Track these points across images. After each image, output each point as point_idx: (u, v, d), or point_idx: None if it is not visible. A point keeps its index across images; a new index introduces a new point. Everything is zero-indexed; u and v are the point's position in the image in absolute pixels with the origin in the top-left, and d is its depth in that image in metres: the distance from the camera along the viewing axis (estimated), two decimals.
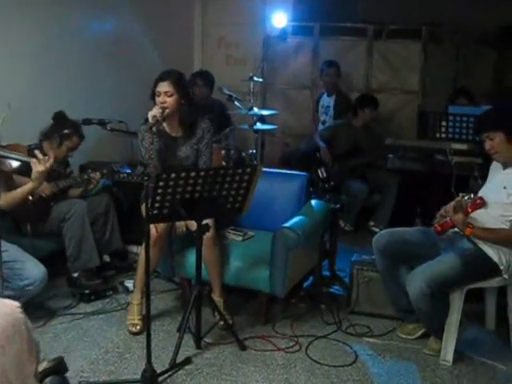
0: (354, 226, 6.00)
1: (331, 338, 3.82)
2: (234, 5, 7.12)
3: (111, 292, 4.35)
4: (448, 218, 3.52)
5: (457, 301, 3.50)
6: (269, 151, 6.69)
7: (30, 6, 4.83)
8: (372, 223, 5.97)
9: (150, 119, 3.60)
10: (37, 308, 4.01)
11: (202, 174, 3.24)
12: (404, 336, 3.84)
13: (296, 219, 4.01)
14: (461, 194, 3.46)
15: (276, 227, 3.90)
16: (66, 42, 5.23)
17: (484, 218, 3.48)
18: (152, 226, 3.62)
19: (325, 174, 5.66)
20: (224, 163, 5.35)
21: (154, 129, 3.55)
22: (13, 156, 3.75)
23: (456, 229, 3.53)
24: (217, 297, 3.91)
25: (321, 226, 4.31)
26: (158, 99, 3.71)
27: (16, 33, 4.74)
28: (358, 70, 7.00)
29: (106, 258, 4.79)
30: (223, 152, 5.42)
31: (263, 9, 6.94)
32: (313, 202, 4.38)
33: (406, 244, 3.77)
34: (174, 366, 3.40)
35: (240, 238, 4.18)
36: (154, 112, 3.64)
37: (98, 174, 4.42)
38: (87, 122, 4.78)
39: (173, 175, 3.17)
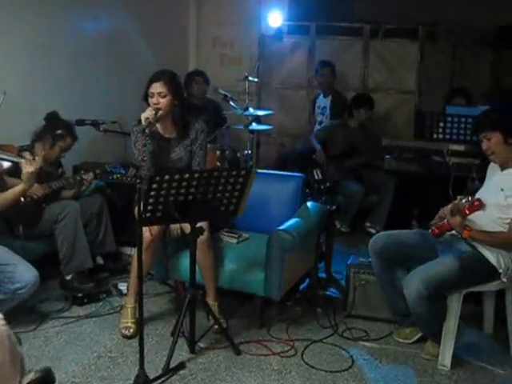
0: (351, 226, 5.96)
1: (327, 342, 3.77)
2: (228, 4, 7.07)
3: (104, 295, 4.29)
4: (445, 221, 3.47)
5: (455, 304, 3.45)
6: (264, 152, 6.66)
7: (23, 6, 4.77)
8: (368, 224, 5.92)
9: (142, 121, 3.54)
10: (29, 311, 3.96)
11: (196, 176, 3.20)
12: (401, 340, 3.79)
13: (291, 221, 3.96)
14: (458, 197, 3.42)
15: (271, 229, 3.85)
16: (59, 42, 5.18)
17: (482, 220, 3.43)
18: (146, 229, 3.57)
19: (320, 175, 5.59)
20: (219, 164, 5.31)
21: (147, 131, 3.49)
22: (2, 157, 3.69)
23: (454, 231, 3.48)
24: (211, 300, 3.86)
25: (317, 228, 4.26)
26: (152, 100, 3.65)
27: (8, 33, 4.68)
28: (355, 70, 6.94)
29: (100, 260, 4.73)
30: (218, 152, 5.37)
31: (258, 8, 6.89)
32: (308, 203, 4.33)
33: (403, 246, 3.72)
34: (168, 372, 3.34)
35: (235, 241, 4.13)
36: (147, 114, 3.58)
37: (90, 174, 4.38)
38: (80, 122, 4.72)
39: (166, 177, 3.12)
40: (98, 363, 3.48)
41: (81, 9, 5.38)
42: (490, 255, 3.40)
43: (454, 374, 3.46)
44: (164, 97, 3.65)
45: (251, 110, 5.45)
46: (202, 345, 3.65)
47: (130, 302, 3.83)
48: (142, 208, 3.13)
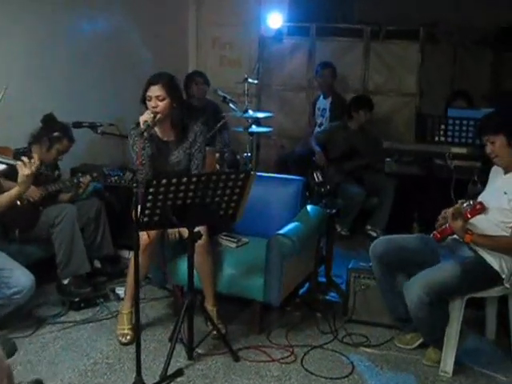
0: (351, 229, 5.90)
1: (327, 348, 3.72)
2: (228, 5, 7.02)
3: (102, 300, 4.23)
4: (447, 225, 3.42)
5: (457, 310, 3.40)
6: (264, 154, 6.62)
7: (21, 7, 4.73)
8: (369, 227, 5.87)
9: (141, 124, 3.50)
10: (25, 316, 3.92)
11: (194, 179, 3.15)
12: (402, 346, 3.74)
13: (291, 225, 3.91)
14: (460, 201, 3.37)
15: (271, 233, 3.80)
16: (57, 44, 5.13)
17: (484, 224, 3.39)
18: (143, 233, 3.52)
19: (321, 178, 5.55)
20: (218, 166, 5.26)
21: (145, 134, 3.44)
22: None
23: (456, 236, 3.43)
24: (210, 305, 3.80)
25: (316, 232, 4.21)
26: (150, 104, 3.60)
27: (6, 34, 4.64)
28: (355, 72, 6.90)
29: (97, 264, 4.68)
30: (217, 155, 5.32)
31: (258, 9, 6.85)
32: (308, 207, 4.28)
33: (404, 251, 3.67)
34: (165, 378, 3.29)
35: (234, 245, 4.08)
36: (146, 117, 3.53)
37: (87, 177, 4.33)
38: (78, 125, 4.67)
39: (164, 181, 3.07)
40: (95, 369, 3.43)
41: (79, 10, 5.33)
42: (493, 260, 3.36)
43: (456, 380, 3.42)
44: (162, 100, 3.60)
45: (251, 112, 5.40)
46: (200, 351, 3.59)
47: (126, 308, 3.78)
48: (139, 212, 3.08)
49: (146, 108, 3.63)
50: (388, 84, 6.85)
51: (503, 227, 3.35)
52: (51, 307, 4.13)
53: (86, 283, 4.31)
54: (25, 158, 3.58)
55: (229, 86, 6.17)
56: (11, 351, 3.50)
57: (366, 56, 6.84)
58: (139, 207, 3.09)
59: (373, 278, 3.87)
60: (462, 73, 6.85)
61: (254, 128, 5.38)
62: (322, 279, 4.54)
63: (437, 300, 3.32)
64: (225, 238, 4.14)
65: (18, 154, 3.86)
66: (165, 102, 3.61)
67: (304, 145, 6.46)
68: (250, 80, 5.53)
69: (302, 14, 6.97)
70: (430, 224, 3.64)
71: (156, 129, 3.74)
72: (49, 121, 4.36)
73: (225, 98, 5.75)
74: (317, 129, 6.52)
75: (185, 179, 3.11)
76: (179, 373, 3.37)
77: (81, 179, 4.30)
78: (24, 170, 3.51)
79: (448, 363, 3.44)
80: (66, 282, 4.22)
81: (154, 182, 3.06)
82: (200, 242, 3.45)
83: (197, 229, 3.34)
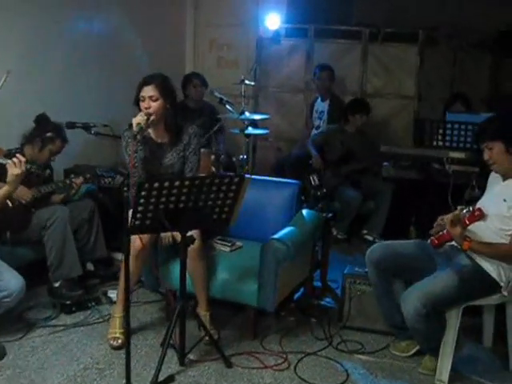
0: (347, 233, 5.85)
1: (321, 355, 3.66)
2: (226, 6, 6.96)
3: (93, 303, 4.16)
4: (445, 231, 3.37)
5: (453, 319, 3.34)
6: (261, 156, 6.55)
7: (14, 8, 4.67)
8: (365, 231, 5.82)
9: (134, 126, 3.44)
10: (16, 319, 3.86)
11: (187, 183, 3.09)
12: (398, 353, 3.68)
13: (286, 230, 3.85)
14: (459, 208, 3.31)
15: (266, 237, 3.74)
16: (51, 44, 5.08)
17: (483, 231, 3.33)
18: (136, 237, 3.46)
19: (317, 181, 5.50)
20: (214, 169, 5.19)
21: (138, 136, 3.39)
22: None
23: (453, 242, 3.37)
24: (203, 310, 3.75)
25: (312, 237, 4.15)
26: (143, 104, 3.56)
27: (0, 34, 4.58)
28: (353, 74, 6.84)
29: (90, 267, 4.62)
30: (213, 157, 5.26)
31: (256, 10, 6.79)
32: (304, 211, 4.22)
33: (401, 257, 3.61)
34: None
35: (228, 249, 4.02)
36: (139, 119, 3.48)
37: (80, 178, 4.29)
38: (71, 125, 4.61)
39: (156, 184, 3.01)
40: (84, 375, 3.37)
41: (74, 10, 5.28)
42: (491, 268, 3.30)
43: None
44: (155, 100, 3.55)
45: (247, 113, 5.34)
46: (192, 357, 3.53)
47: (118, 312, 3.71)
48: (130, 216, 3.03)
49: (140, 110, 3.57)
50: (386, 87, 6.79)
51: (502, 235, 3.29)
52: (42, 310, 4.07)
53: (78, 286, 4.24)
54: (14, 158, 3.52)
55: (226, 87, 6.09)
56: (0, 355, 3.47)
57: (365, 58, 6.78)
58: (130, 211, 3.04)
59: (368, 283, 3.81)
60: (461, 76, 6.80)
61: (250, 130, 5.32)
62: (318, 284, 4.49)
63: (433, 312, 3.26)
64: (219, 242, 4.08)
65: (9, 155, 3.80)
66: (158, 102, 3.56)
67: (301, 147, 6.41)
68: (246, 81, 5.48)
69: (300, 15, 6.91)
70: (428, 229, 3.59)
71: (150, 130, 3.70)
72: (42, 121, 4.30)
73: (221, 99, 5.69)
74: (314, 131, 6.47)
75: (177, 183, 3.06)
76: (170, 379, 3.31)
77: (73, 180, 4.25)
78: (13, 169, 3.45)
79: (444, 371, 3.37)
80: (57, 284, 4.16)
81: (146, 185, 3.00)
82: (193, 247, 3.39)
83: (190, 233, 3.29)
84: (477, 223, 3.28)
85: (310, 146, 6.00)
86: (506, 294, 3.32)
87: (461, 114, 5.36)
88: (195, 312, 3.62)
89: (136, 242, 3.49)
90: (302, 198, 4.47)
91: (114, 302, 3.99)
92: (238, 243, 4.08)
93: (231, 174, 4.89)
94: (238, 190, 3.23)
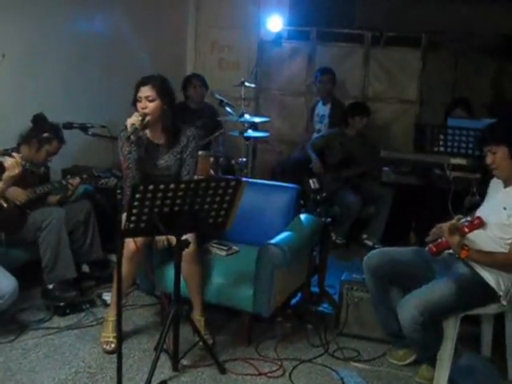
0: (346, 238, 5.80)
1: (317, 363, 3.60)
2: (227, 8, 6.91)
3: (88, 305, 4.12)
4: (443, 238, 3.32)
5: (451, 328, 3.28)
6: (261, 160, 6.51)
7: (13, 7, 4.63)
8: (365, 236, 5.77)
9: (128, 127, 3.40)
10: (8, 321, 3.81)
11: (183, 186, 3.04)
12: (394, 361, 3.63)
13: (283, 235, 3.80)
14: (457, 217, 3.26)
15: (263, 242, 3.69)
16: (50, 44, 5.02)
17: (482, 239, 3.28)
18: (130, 240, 3.42)
19: (317, 185, 5.45)
20: (212, 171, 5.15)
21: (132, 137, 3.35)
22: None
23: (452, 250, 3.32)
24: (197, 315, 3.70)
25: (309, 242, 4.10)
26: (139, 105, 3.52)
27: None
28: (354, 78, 6.80)
29: (85, 268, 4.57)
30: (212, 160, 5.21)
31: (258, 12, 6.74)
32: (302, 215, 4.17)
33: (398, 264, 3.56)
34: None
35: (224, 253, 3.97)
36: (133, 120, 3.44)
37: (77, 179, 4.24)
38: (68, 126, 4.56)
39: (151, 187, 2.97)
40: (76, 379, 3.32)
41: (75, 10, 5.23)
42: (490, 277, 3.25)
43: None
44: (152, 101, 3.51)
45: (247, 116, 5.30)
46: (185, 362, 3.48)
47: (111, 315, 3.66)
48: (123, 219, 2.98)
49: (137, 110, 3.53)
50: (388, 91, 6.75)
51: (502, 243, 3.24)
52: (35, 312, 4.02)
53: (72, 287, 4.19)
54: (13, 158, 3.48)
55: (227, 89, 6.06)
56: None
57: (366, 62, 6.74)
58: (124, 215, 2.99)
59: (366, 290, 3.77)
60: (462, 81, 6.75)
61: (249, 133, 5.28)
62: (315, 289, 4.43)
63: (430, 321, 3.19)
64: (215, 245, 4.03)
65: (6, 155, 3.76)
66: (154, 103, 3.52)
67: (301, 151, 6.36)
68: (246, 84, 5.44)
69: (302, 17, 6.87)
70: (427, 235, 3.54)
71: (147, 131, 3.65)
72: (39, 121, 4.27)
73: (221, 101, 5.66)
74: (315, 135, 6.42)
75: (173, 185, 3.01)
76: None
77: (69, 181, 4.20)
78: (10, 166, 3.41)
79: (441, 381, 3.31)
80: (51, 286, 4.11)
81: (141, 188, 2.96)
82: (188, 251, 3.35)
83: (185, 236, 3.24)
84: (476, 231, 3.23)
85: (309, 149, 5.95)
86: (504, 303, 3.27)
87: (462, 119, 5.30)
88: (189, 317, 3.56)
89: (130, 244, 3.44)
90: (301, 202, 4.43)
91: (108, 305, 3.94)
92: (235, 247, 4.04)
93: (228, 177, 4.82)
94: (234, 194, 3.19)
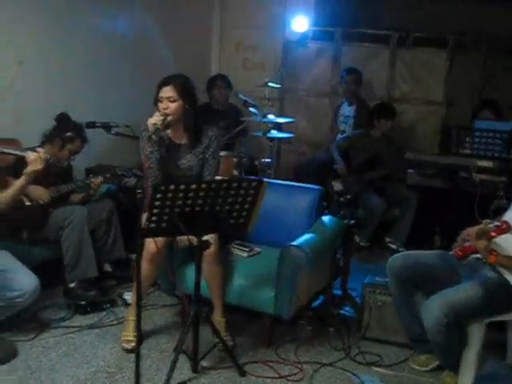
0: (370, 240, 5.73)
1: (338, 367, 3.55)
2: (253, 8, 6.88)
3: (109, 304, 4.12)
4: (470, 242, 3.25)
5: (476, 334, 3.21)
6: (284, 160, 6.47)
7: (38, 8, 4.66)
8: (389, 239, 5.69)
9: (149, 127, 3.38)
10: (29, 319, 3.81)
11: (204, 186, 3.02)
12: (416, 367, 3.56)
13: (305, 236, 3.75)
14: (484, 221, 3.20)
15: (285, 243, 3.65)
16: (75, 42, 5.05)
17: (509, 244, 3.20)
18: (151, 240, 3.40)
19: (341, 187, 5.39)
20: (235, 172, 5.12)
21: (153, 137, 3.33)
22: (6, 151, 3.53)
23: (478, 254, 3.25)
24: (218, 316, 3.67)
25: (332, 244, 4.05)
26: (161, 105, 3.50)
27: (22, 31, 4.55)
28: (380, 79, 6.74)
29: (107, 268, 4.55)
30: (235, 160, 5.18)
31: (283, 12, 6.70)
32: (325, 218, 4.13)
33: (423, 268, 3.50)
34: None
35: (245, 254, 3.94)
36: (154, 119, 3.42)
37: (99, 178, 4.24)
38: (91, 125, 4.56)
39: (172, 187, 2.95)
40: (94, 378, 3.31)
41: (99, 8, 5.24)
42: None
43: None
44: (173, 101, 3.49)
45: (271, 116, 5.26)
46: (205, 363, 3.45)
47: (132, 314, 3.64)
48: (143, 219, 2.97)
49: (159, 110, 3.51)
50: (414, 92, 6.69)
51: None
52: (56, 310, 4.03)
53: (93, 286, 4.18)
54: (37, 153, 3.48)
55: (252, 89, 6.03)
56: (9, 355, 3.43)
57: (393, 63, 6.68)
58: (144, 214, 2.98)
59: (389, 294, 3.71)
60: (490, 82, 6.64)
61: (273, 133, 5.24)
62: (338, 292, 4.38)
63: (455, 322, 3.14)
64: (237, 246, 4.00)
65: (29, 150, 3.76)
66: (176, 103, 3.50)
67: (325, 152, 6.31)
68: (271, 84, 5.41)
69: (327, 18, 6.81)
70: (453, 238, 3.47)
71: (169, 131, 3.63)
72: (62, 120, 4.28)
73: (245, 101, 5.63)
74: (339, 136, 6.36)
75: (194, 186, 2.99)
76: None
77: (92, 180, 4.21)
78: (34, 165, 3.41)
79: None
80: (72, 285, 4.11)
81: (162, 188, 2.95)
82: (209, 251, 3.31)
83: (206, 237, 3.21)
84: (503, 236, 3.16)
85: (334, 150, 5.90)
86: None
87: (489, 121, 5.22)
88: (209, 319, 3.53)
89: (150, 245, 3.43)
90: (325, 203, 4.38)
91: (129, 305, 3.93)
92: (256, 249, 4.01)
93: (250, 177, 4.79)
94: (256, 195, 3.16)
